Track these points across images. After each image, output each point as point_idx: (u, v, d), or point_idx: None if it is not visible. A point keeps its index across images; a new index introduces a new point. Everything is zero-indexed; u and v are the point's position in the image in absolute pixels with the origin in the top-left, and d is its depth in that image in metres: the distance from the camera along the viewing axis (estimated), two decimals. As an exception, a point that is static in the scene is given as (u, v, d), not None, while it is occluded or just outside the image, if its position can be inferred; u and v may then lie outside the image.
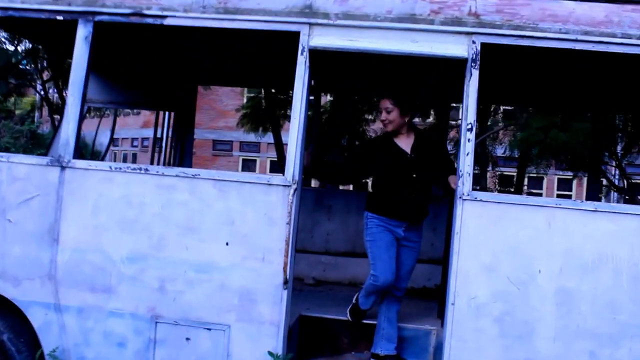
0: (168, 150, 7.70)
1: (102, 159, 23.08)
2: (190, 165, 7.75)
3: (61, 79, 17.95)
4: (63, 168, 4.65)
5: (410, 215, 5.09)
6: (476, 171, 14.47)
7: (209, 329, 4.55)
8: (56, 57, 15.13)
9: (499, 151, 17.22)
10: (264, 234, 4.47)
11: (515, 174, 18.38)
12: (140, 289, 4.59)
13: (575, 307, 4.31)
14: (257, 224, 4.48)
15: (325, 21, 4.52)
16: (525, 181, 19.03)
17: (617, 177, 16.87)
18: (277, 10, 4.55)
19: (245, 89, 25.09)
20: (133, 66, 6.82)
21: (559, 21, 4.37)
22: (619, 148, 13.34)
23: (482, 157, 16.15)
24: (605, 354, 4.29)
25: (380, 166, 5.10)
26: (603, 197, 17.35)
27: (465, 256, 4.37)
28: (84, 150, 24.91)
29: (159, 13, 4.65)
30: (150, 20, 4.68)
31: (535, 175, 19.90)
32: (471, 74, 4.42)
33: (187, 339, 4.58)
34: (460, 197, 4.39)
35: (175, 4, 4.64)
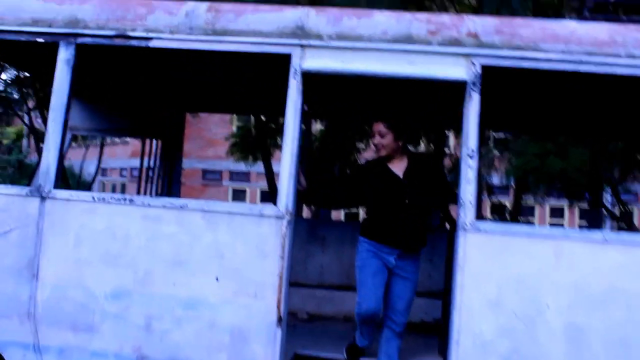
0: (156, 179, 7.48)
1: (90, 189, 22.80)
2: (178, 196, 7.52)
3: (46, 106, 17.73)
4: (43, 198, 4.45)
5: (402, 242, 4.85)
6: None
7: (198, 370, 4.31)
8: (38, 82, 14.91)
9: (495, 179, 17.09)
10: (256, 268, 4.26)
11: (507, 202, 18.23)
12: (125, 327, 4.35)
13: (586, 344, 4.10)
14: (248, 258, 4.27)
15: (318, 42, 4.39)
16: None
17: (610, 204, 16.75)
18: (268, 31, 4.42)
19: (235, 118, 24.95)
20: (118, 92, 6.63)
21: (560, 41, 4.26)
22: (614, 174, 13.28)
23: (477, 185, 15.95)
24: (620, 393, 4.08)
25: (372, 190, 4.91)
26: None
27: (469, 290, 4.17)
28: (72, 180, 24.63)
29: (144, 35, 4.51)
30: (135, 43, 4.53)
31: (525, 204, 19.74)
32: (471, 97, 4.26)
33: (175, 380, 4.34)
34: (462, 228, 4.19)
35: (161, 25, 4.49)
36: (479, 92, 4.26)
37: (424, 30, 4.32)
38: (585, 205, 16.57)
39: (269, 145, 15.90)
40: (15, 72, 17.64)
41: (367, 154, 15.57)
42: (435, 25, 4.33)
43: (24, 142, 38.96)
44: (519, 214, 16.09)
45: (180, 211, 4.35)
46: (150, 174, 7.51)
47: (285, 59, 4.39)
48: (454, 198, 4.77)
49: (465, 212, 4.20)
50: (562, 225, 27.41)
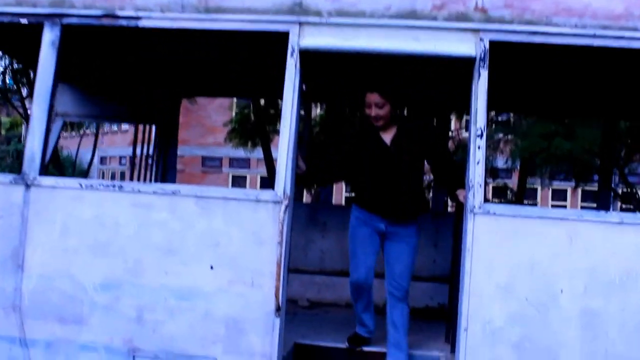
0: (150, 166, 7.27)
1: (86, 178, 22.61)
2: (173, 182, 7.28)
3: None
4: (28, 186, 4.25)
5: (390, 212, 4.74)
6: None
7: (193, 363, 4.13)
8: (30, 69, 14.66)
9: (499, 162, 16.87)
10: (252, 256, 4.06)
11: (510, 185, 18.02)
12: (115, 319, 4.16)
13: (602, 331, 3.92)
14: (244, 245, 4.07)
15: (317, 19, 4.17)
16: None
17: (615, 185, 16.56)
18: (264, 8, 4.20)
19: (234, 105, 24.75)
20: (110, 76, 6.41)
21: (574, 15, 4.04)
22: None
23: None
24: (638, 382, 3.91)
25: (360, 159, 4.79)
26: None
27: (478, 276, 3.98)
28: (69, 170, 24.46)
29: (133, 14, 4.30)
30: (123, 22, 4.32)
31: (528, 187, 19.57)
32: (479, 74, 4.07)
33: (169, 374, 4.16)
34: (470, 211, 4.00)
35: (151, 3, 4.29)
36: (487, 69, 4.06)
37: (429, 5, 4.11)
38: (589, 187, 16.41)
39: (268, 131, 15.68)
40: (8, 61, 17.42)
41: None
42: (440, -1, 4.13)
43: (23, 131, 38.83)
44: (523, 197, 15.86)
45: (172, 197, 4.15)
46: (150, 161, 7.30)
47: (283, 37, 4.19)
48: (457, 169, 4.73)
49: (474, 194, 4.00)
50: (564, 207, 27.25)
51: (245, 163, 29.54)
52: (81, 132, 25.96)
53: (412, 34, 4.12)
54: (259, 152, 16.95)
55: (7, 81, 19.70)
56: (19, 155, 32.15)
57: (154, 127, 7.34)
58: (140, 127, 7.40)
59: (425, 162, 4.98)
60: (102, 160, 34.40)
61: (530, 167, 15.02)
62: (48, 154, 6.14)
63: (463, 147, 13.52)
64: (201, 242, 4.09)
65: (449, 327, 4.90)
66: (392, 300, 4.78)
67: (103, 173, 35.44)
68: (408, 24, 4.11)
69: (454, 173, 4.72)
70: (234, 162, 30.45)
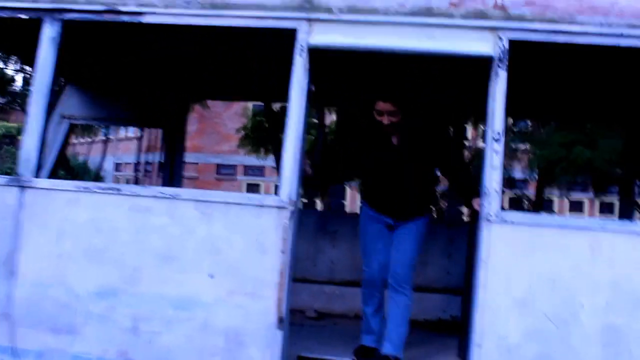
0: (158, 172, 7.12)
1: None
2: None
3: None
4: (23, 188, 4.11)
5: (396, 212, 4.67)
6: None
7: (191, 377, 3.95)
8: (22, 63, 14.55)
9: (517, 172, 16.64)
10: (254, 264, 3.88)
11: (525, 194, 17.77)
12: (110, 329, 3.99)
13: (624, 349, 3.72)
14: (246, 253, 3.89)
15: (327, 16, 4.02)
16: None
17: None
18: (272, 4, 4.06)
19: (250, 110, 24.74)
20: (115, 77, 6.25)
21: (599, 13, 3.87)
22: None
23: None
24: (663, 404, 3.68)
25: (367, 158, 4.70)
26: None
27: (494, 289, 3.78)
28: (84, 177, 24.36)
29: (136, 9, 4.16)
30: (126, 18, 4.18)
31: (545, 197, 19.32)
32: (498, 75, 3.89)
33: (166, 388, 3.98)
34: (486, 219, 3.79)
35: None
36: (506, 70, 3.88)
37: (445, 2, 3.96)
38: (608, 199, 16.14)
39: (281, 138, 15.54)
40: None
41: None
42: (457, -4, 3.97)
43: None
44: (541, 207, 15.63)
45: (172, 201, 3.98)
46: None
47: (292, 35, 4.03)
48: (469, 175, 4.66)
49: (490, 201, 3.80)
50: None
51: (259, 171, 29.53)
52: (98, 137, 25.89)
53: (427, 32, 3.95)
54: (273, 160, 16.86)
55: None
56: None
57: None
58: (151, 132, 7.25)
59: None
60: (117, 166, 34.41)
61: (549, 178, 14.77)
62: (52, 156, 6.04)
63: (479, 157, 13.34)
64: (201, 249, 3.92)
65: (461, 342, 4.67)
66: (389, 291, 4.63)
67: (118, 179, 35.48)
68: (423, 22, 3.95)
69: (466, 179, 4.58)
70: (248, 169, 30.46)
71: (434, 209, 4.80)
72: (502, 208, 3.87)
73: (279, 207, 3.86)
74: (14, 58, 16.03)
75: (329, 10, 4.00)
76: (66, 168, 17.32)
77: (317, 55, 4.03)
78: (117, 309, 3.96)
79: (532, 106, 6.65)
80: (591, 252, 3.71)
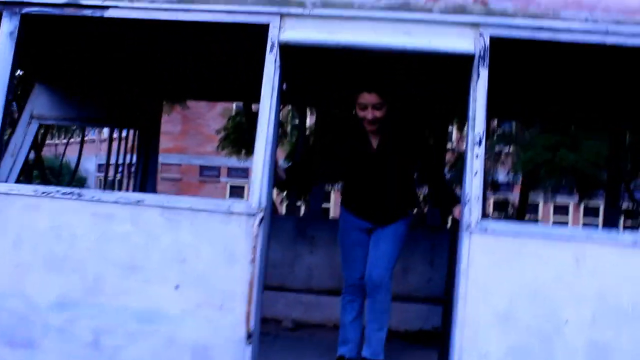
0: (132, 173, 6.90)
1: (83, 187, 22.13)
2: (154, 191, 6.86)
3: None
4: (-23, 193, 3.83)
5: (374, 217, 4.55)
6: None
7: (155, 394, 3.72)
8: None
9: (501, 175, 16.53)
10: (222, 275, 3.65)
11: (510, 200, 17.69)
12: (70, 342, 3.74)
13: (611, 365, 3.52)
14: (214, 262, 3.66)
15: (299, 11, 3.81)
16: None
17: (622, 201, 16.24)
18: None
19: (233, 111, 24.53)
20: (87, 76, 6.02)
21: (584, 8, 3.69)
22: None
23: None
24: None
25: (344, 161, 4.60)
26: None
27: (474, 302, 3.57)
28: (66, 177, 24.00)
29: (99, 3, 3.93)
30: (88, 12, 3.95)
31: (530, 202, 19.25)
32: (479, 74, 3.69)
33: (129, 406, 3.75)
34: (466, 228, 3.59)
35: None
36: (488, 68, 3.69)
37: None
38: (592, 203, 16.07)
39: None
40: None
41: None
42: (436, -10, 3.78)
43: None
44: (525, 212, 15.52)
45: (136, 207, 3.74)
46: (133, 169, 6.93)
47: (263, 30, 3.83)
48: (444, 184, 4.59)
49: (471, 209, 3.60)
50: (566, 223, 26.97)
51: (244, 172, 29.26)
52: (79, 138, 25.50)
53: (404, 28, 3.76)
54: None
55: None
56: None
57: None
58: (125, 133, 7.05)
59: None
60: (100, 167, 34.08)
61: (533, 181, 14.68)
62: (21, 158, 5.79)
63: (462, 160, 13.23)
64: (166, 258, 3.68)
65: (441, 356, 4.49)
66: (367, 294, 4.51)
67: (100, 181, 35.13)
68: (400, 17, 3.76)
69: (444, 186, 4.47)
70: (232, 171, 30.23)
71: (414, 212, 4.64)
72: (485, 214, 3.69)
73: (248, 214, 3.65)
74: None
75: (301, 4, 3.79)
76: (41, 169, 16.97)
77: (290, 51, 3.84)
78: (77, 321, 3.72)
79: (515, 107, 6.48)
80: (576, 263, 3.52)
